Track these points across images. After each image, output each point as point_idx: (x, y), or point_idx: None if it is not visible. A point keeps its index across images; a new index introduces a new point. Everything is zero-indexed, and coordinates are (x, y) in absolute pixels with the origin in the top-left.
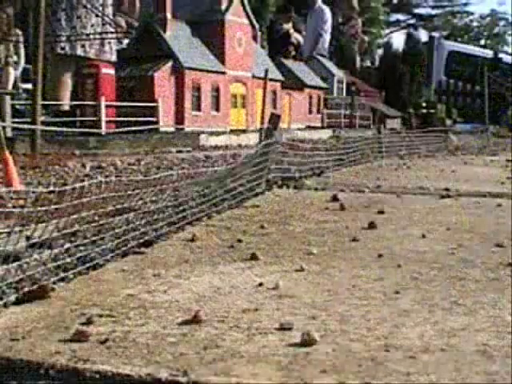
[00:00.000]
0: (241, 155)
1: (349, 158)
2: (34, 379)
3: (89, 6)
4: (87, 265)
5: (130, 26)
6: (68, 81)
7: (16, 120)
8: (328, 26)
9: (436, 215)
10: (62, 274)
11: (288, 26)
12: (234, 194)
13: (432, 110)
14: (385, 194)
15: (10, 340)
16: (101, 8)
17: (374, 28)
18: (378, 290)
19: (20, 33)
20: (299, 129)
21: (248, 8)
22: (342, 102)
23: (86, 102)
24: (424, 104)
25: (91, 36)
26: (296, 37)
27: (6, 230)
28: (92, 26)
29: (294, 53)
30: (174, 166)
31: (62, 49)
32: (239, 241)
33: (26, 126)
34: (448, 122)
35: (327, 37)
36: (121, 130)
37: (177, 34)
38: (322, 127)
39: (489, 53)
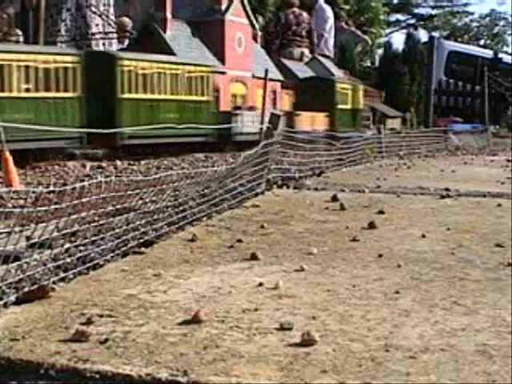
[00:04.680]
0: (241, 155)
1: (349, 158)
2: (34, 379)
3: (93, 6)
4: (87, 265)
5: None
6: None
7: None
8: (329, 26)
9: (436, 215)
10: (62, 274)
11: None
12: (234, 194)
13: None
14: (385, 194)
15: (10, 340)
16: (104, 8)
17: (374, 28)
18: (378, 290)
19: (20, 33)
20: None
21: (248, 8)
22: None
23: None
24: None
25: (95, 36)
26: None
27: (6, 230)
28: (96, 25)
29: None
30: (174, 166)
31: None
32: (239, 241)
33: (25, 126)
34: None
35: (329, 36)
36: None
37: (177, 34)
38: None
39: (489, 53)
